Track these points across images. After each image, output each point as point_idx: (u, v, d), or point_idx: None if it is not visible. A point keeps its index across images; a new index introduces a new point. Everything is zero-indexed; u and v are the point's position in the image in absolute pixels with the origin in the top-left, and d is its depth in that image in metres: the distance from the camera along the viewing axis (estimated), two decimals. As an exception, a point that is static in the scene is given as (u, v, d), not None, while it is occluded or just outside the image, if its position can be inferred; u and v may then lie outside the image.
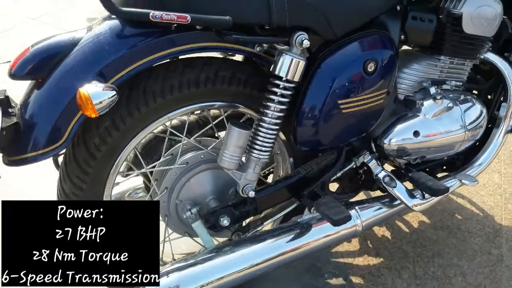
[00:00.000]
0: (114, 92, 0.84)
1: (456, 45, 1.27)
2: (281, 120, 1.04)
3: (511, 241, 1.62)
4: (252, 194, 1.08)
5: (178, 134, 1.13)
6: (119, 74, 0.91)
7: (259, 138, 1.04)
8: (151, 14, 0.85)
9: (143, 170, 1.14)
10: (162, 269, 1.06)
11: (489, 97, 1.49)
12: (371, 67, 1.06)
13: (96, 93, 0.82)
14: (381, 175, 1.25)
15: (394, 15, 1.17)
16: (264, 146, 1.05)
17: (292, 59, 0.98)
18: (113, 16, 0.94)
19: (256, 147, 1.05)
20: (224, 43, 0.98)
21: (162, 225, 1.23)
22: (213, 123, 1.18)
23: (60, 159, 1.07)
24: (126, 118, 0.98)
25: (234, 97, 1.08)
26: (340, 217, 1.02)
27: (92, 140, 0.98)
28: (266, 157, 1.07)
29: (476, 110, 1.35)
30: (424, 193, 1.29)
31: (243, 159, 1.11)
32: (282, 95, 1.01)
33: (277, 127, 1.04)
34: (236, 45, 0.99)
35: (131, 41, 0.91)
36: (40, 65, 0.90)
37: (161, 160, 1.17)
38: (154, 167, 1.16)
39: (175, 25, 0.90)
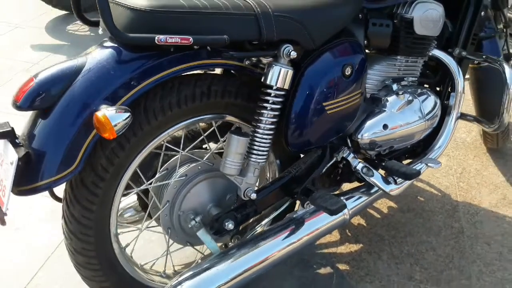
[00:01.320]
0: (129, 114, 0.89)
1: (409, 46, 1.43)
2: (275, 125, 1.13)
3: (468, 214, 1.83)
4: (254, 196, 1.16)
5: (175, 148, 1.18)
6: (126, 97, 0.95)
7: (256, 143, 1.13)
8: (156, 38, 0.90)
9: (144, 186, 1.18)
10: (173, 281, 1.10)
11: (437, 89, 1.67)
12: (348, 71, 1.18)
13: (114, 116, 0.86)
14: (359, 166, 1.38)
15: (358, 23, 1.31)
16: (261, 151, 1.14)
17: (281, 69, 1.07)
18: (109, 42, 0.99)
19: (254, 152, 1.13)
20: (218, 60, 1.05)
21: (163, 238, 1.28)
22: (205, 134, 1.24)
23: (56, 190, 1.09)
24: (130, 138, 1.02)
25: (226, 109, 1.16)
26: (337, 206, 1.13)
27: (99, 162, 1.01)
28: (264, 160, 1.15)
29: (431, 101, 1.52)
30: (396, 178, 1.44)
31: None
32: (274, 102, 1.11)
33: (271, 132, 1.13)
34: (230, 60, 1.06)
35: (134, 65, 0.96)
36: (46, 94, 0.92)
37: (157, 175, 1.21)
38: (153, 183, 1.20)
39: (174, 46, 0.96)
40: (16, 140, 0.94)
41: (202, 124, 1.32)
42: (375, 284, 1.52)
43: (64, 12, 3.47)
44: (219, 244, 1.40)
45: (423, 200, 1.90)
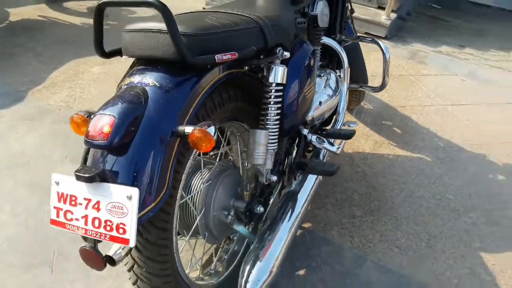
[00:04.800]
0: (214, 126, 1.00)
1: (315, 37, 1.81)
2: (279, 115, 1.35)
3: (362, 160, 2.36)
4: (274, 178, 1.37)
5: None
6: (189, 113, 1.04)
7: (270, 134, 1.33)
8: (216, 57, 1.03)
9: (184, 199, 1.25)
10: (242, 275, 1.22)
11: (327, 70, 2.12)
12: (311, 61, 1.48)
13: (210, 129, 0.97)
14: (313, 138, 1.70)
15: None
16: (274, 139, 1.34)
17: (279, 68, 1.30)
18: (150, 69, 1.05)
19: (269, 141, 1.33)
20: (233, 70, 1.21)
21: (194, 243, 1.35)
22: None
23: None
24: (185, 152, 1.11)
25: (232, 112, 1.32)
26: (334, 168, 1.43)
27: None
28: (276, 147, 1.36)
29: (335, 78, 1.95)
30: (334, 140, 1.82)
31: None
32: (276, 97, 1.33)
33: (278, 122, 1.35)
34: (239, 69, 1.23)
35: (189, 82, 1.05)
36: (127, 128, 0.93)
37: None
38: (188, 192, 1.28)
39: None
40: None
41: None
42: (335, 229, 1.89)
43: None
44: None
45: (329, 159, 2.35)
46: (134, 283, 1.15)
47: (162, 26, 1.01)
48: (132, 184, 0.93)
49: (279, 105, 1.34)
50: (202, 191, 1.28)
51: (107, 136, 0.92)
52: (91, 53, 3.08)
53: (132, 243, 0.90)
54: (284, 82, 1.32)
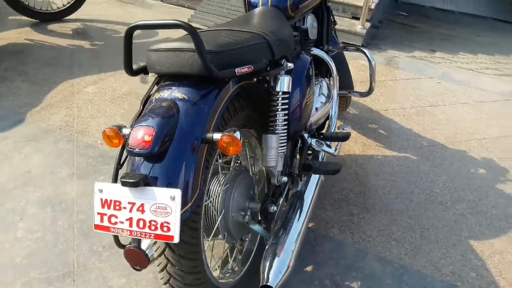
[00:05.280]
0: (239, 132, 1.11)
1: (307, 48, 1.95)
2: (286, 121, 1.47)
3: (353, 161, 2.51)
4: (285, 179, 1.48)
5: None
6: (214, 121, 1.16)
7: (279, 138, 1.45)
8: (236, 70, 1.15)
9: (206, 202, 1.35)
10: (263, 273, 1.32)
11: (318, 78, 2.26)
12: (310, 70, 1.61)
13: (236, 134, 1.08)
14: (313, 142, 1.84)
15: None
16: (283, 143, 1.47)
17: (285, 78, 1.43)
18: (175, 85, 1.16)
19: (280, 145, 1.45)
20: (245, 81, 1.33)
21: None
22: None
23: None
24: (209, 156, 1.21)
25: (244, 120, 1.43)
26: (338, 166, 1.56)
27: None
28: (285, 149, 1.48)
29: (326, 85, 2.10)
30: (331, 143, 1.95)
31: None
32: (283, 104, 1.45)
33: (286, 127, 1.47)
34: (250, 80, 1.35)
35: (212, 94, 1.17)
36: (165, 137, 1.05)
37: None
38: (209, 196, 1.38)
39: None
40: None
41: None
42: (336, 227, 2.01)
43: None
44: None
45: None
46: (165, 283, 1.23)
47: (187, 45, 1.13)
48: (173, 186, 1.03)
49: (286, 111, 1.47)
50: (221, 194, 1.39)
51: (149, 144, 1.02)
52: (83, 73, 3.15)
53: (176, 239, 1.00)
54: (289, 90, 1.45)
